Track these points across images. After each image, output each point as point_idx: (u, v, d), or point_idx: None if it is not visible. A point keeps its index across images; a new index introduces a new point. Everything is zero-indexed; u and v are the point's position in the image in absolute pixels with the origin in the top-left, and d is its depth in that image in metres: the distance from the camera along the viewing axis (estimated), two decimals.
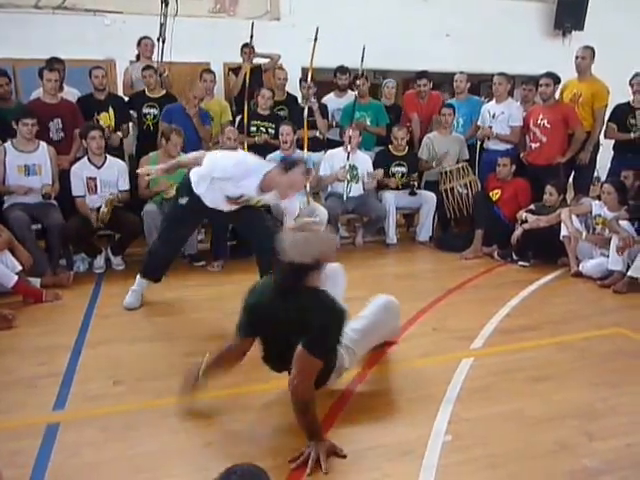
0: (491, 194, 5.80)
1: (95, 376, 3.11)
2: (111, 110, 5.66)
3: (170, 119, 5.47)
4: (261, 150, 5.72)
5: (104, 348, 3.47)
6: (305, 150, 5.65)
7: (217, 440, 2.51)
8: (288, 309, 2.44)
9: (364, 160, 5.91)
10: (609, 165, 6.01)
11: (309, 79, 5.82)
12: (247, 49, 6.33)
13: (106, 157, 5.06)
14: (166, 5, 6.04)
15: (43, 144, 4.98)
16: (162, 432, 2.57)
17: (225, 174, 3.50)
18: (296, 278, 2.44)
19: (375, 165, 5.97)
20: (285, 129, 5.60)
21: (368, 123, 6.32)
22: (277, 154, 5.67)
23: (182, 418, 2.67)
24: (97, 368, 3.21)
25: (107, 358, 3.34)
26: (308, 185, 5.43)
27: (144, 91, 5.91)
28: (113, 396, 2.91)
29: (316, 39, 5.45)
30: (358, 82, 6.10)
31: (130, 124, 5.99)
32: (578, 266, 5.00)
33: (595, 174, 6.35)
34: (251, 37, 6.12)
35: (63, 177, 5.05)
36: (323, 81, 6.80)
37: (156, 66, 5.99)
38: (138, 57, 6.34)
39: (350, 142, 5.71)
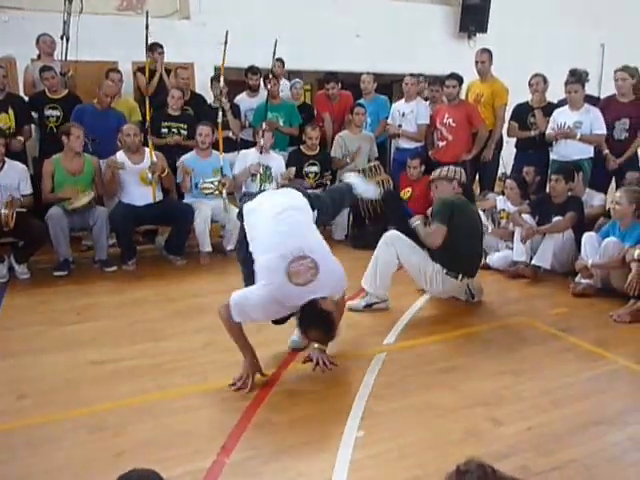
0: (402, 193, 5.95)
1: None
2: (11, 111, 5.39)
3: (81, 120, 5.26)
4: (172, 151, 5.63)
5: (7, 362, 3.29)
6: (221, 152, 5.56)
7: (128, 449, 2.44)
8: None
9: (277, 160, 5.92)
10: (512, 162, 6.30)
11: (221, 81, 5.70)
12: (159, 49, 6.19)
13: (4, 161, 4.80)
14: (70, 2, 5.80)
15: None
16: (69, 445, 2.47)
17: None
18: None
19: (288, 165, 5.98)
20: (204, 129, 5.50)
21: (281, 123, 6.33)
22: (192, 155, 5.57)
23: (90, 429, 2.58)
24: (0, 382, 3.04)
25: (10, 372, 3.17)
26: (224, 191, 5.40)
27: (44, 91, 5.66)
28: (16, 411, 2.76)
29: (226, 42, 5.36)
30: (269, 82, 6.09)
31: (32, 126, 5.72)
32: (485, 259, 5.21)
33: (502, 170, 6.66)
34: (147, 28, 5.77)
35: None
36: (235, 81, 6.75)
37: (60, 65, 5.75)
38: (40, 55, 6.05)
39: (263, 142, 5.69)
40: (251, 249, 3.01)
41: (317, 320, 2.77)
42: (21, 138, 5.49)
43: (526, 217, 4.98)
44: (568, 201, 4.92)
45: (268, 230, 2.98)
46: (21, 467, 2.34)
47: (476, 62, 6.12)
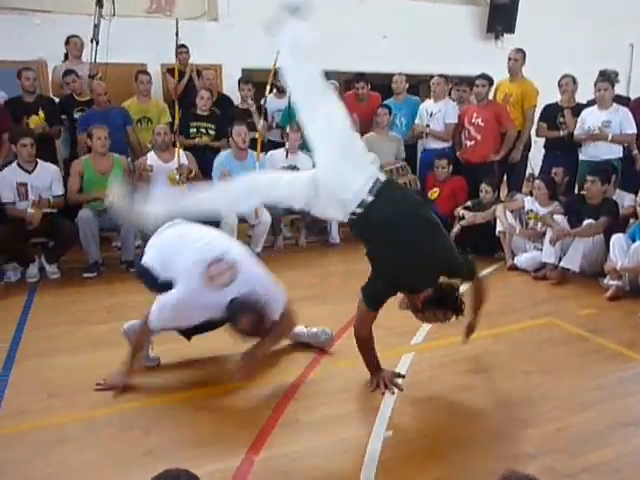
0: (430, 193, 5.93)
1: (28, 390, 2.99)
2: (41, 113, 5.48)
3: (87, 127, 5.27)
4: (202, 151, 5.68)
5: (37, 360, 3.34)
6: (258, 153, 5.54)
7: (156, 448, 2.46)
8: None
9: (305, 161, 5.91)
10: (541, 162, 6.23)
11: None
12: (184, 49, 6.27)
13: (37, 162, 4.88)
14: (101, 7, 5.90)
15: None
16: (98, 444, 2.51)
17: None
18: None
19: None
20: (242, 129, 5.52)
21: None
22: (227, 155, 5.55)
23: (120, 428, 2.61)
24: (30, 381, 3.08)
25: (40, 371, 3.21)
26: None
27: (72, 94, 5.76)
28: (47, 409, 2.80)
29: None
30: None
31: (61, 127, 5.82)
32: (513, 259, 5.18)
33: (530, 171, 6.59)
34: (177, 35, 5.90)
35: None
36: (262, 82, 6.76)
37: (89, 68, 5.84)
38: (67, 56, 6.16)
39: (289, 143, 5.71)
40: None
41: (245, 307, 2.78)
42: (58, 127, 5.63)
43: (558, 218, 4.91)
44: (603, 203, 4.84)
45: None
46: (50, 464, 2.37)
47: (509, 59, 6.10)
